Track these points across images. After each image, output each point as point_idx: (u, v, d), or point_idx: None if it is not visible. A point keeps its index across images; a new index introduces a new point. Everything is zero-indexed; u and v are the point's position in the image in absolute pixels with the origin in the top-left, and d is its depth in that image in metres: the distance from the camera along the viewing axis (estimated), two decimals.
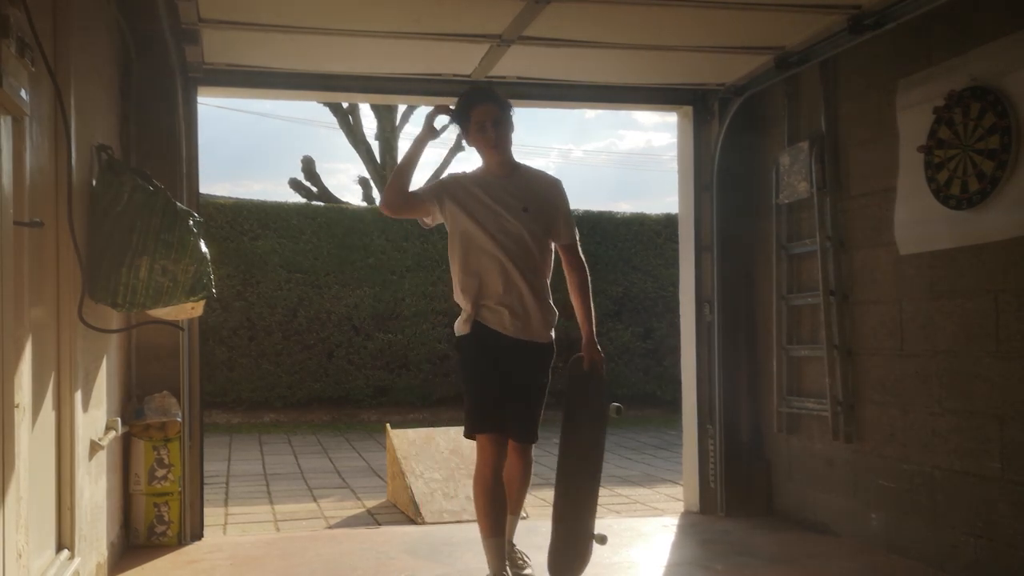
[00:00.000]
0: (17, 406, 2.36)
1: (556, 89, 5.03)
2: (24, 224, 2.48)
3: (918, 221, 4.00)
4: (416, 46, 4.38)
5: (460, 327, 3.57)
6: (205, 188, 10.33)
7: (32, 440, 2.59)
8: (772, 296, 4.99)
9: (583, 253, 3.71)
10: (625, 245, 11.71)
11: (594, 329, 3.68)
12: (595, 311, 3.69)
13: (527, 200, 3.53)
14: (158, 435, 4.34)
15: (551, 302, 3.62)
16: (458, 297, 3.59)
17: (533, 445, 3.64)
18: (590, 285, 3.69)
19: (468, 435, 3.57)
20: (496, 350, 3.48)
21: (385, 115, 15.91)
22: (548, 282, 3.63)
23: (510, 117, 3.56)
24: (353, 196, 25.52)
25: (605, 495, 6.10)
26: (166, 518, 4.38)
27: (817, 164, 4.58)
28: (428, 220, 3.66)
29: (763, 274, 5.14)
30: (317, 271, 10.84)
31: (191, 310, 3.73)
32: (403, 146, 16.30)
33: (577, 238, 3.67)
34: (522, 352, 3.51)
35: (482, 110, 3.50)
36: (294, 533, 5.06)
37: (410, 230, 11.30)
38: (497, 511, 3.45)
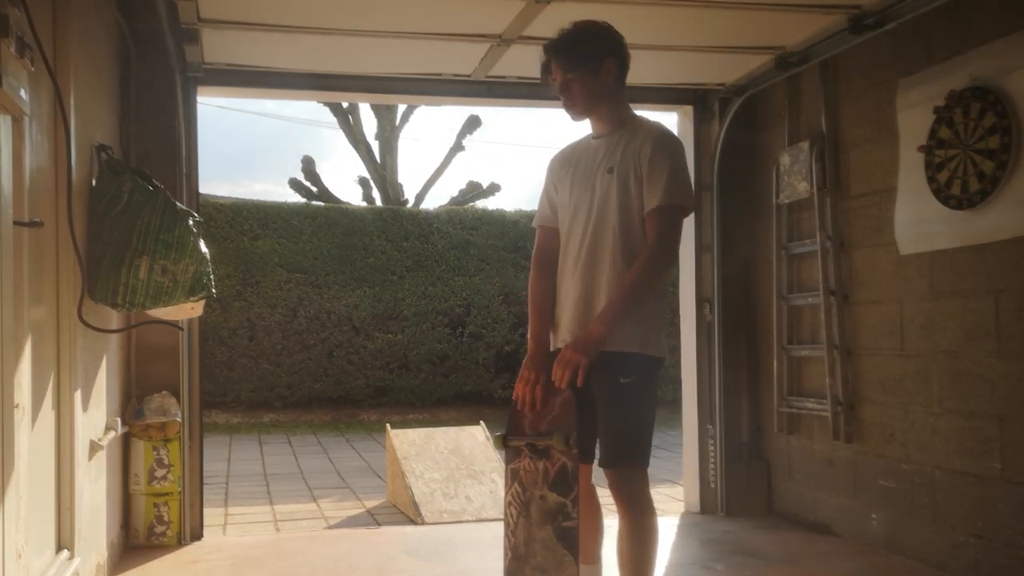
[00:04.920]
0: (17, 406, 2.36)
1: None
2: (24, 224, 2.48)
3: (918, 221, 4.00)
4: (416, 46, 4.37)
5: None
6: (205, 188, 10.34)
7: (32, 440, 2.58)
8: (772, 296, 4.99)
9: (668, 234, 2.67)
10: None
11: (605, 324, 2.60)
12: (622, 305, 2.61)
13: (615, 158, 2.74)
14: (158, 435, 4.33)
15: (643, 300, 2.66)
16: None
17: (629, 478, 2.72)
18: (650, 272, 2.63)
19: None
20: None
21: (385, 115, 15.91)
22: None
23: (592, 67, 2.76)
24: (353, 196, 25.46)
25: (605, 495, 6.10)
26: (166, 518, 4.38)
27: (817, 164, 4.58)
28: None
29: (763, 274, 5.14)
30: (317, 271, 10.85)
31: (191, 310, 3.73)
32: (403, 146, 16.26)
33: (672, 200, 2.65)
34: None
35: (551, 67, 2.82)
36: (294, 533, 5.06)
37: (410, 230, 11.31)
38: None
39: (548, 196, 2.91)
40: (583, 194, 2.77)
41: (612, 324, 2.60)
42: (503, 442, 2.73)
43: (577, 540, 2.58)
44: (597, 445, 2.79)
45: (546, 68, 2.85)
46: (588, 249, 2.73)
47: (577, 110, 2.83)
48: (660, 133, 2.77)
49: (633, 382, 2.66)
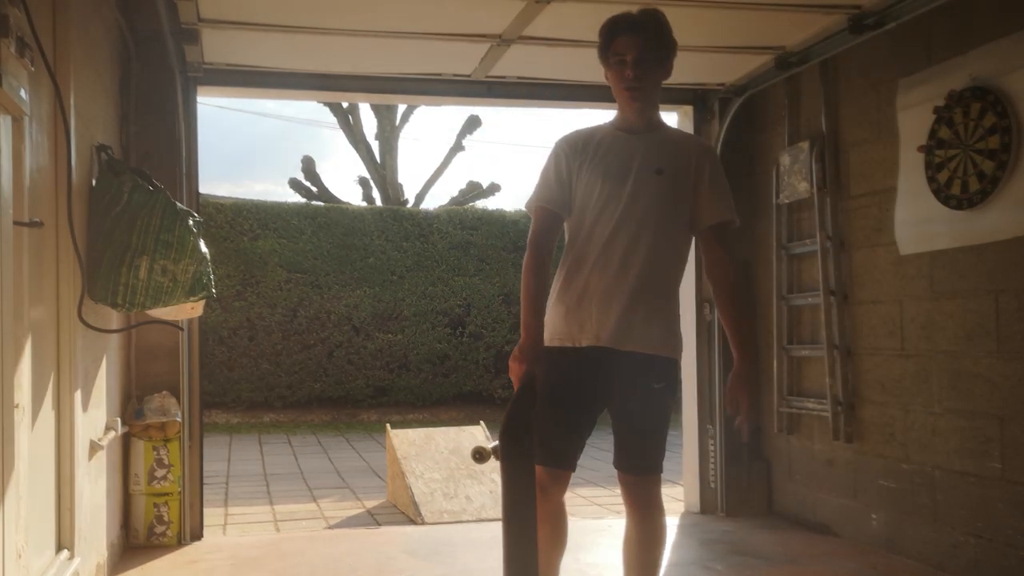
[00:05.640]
0: (17, 406, 2.36)
1: (556, 89, 5.03)
2: (24, 224, 2.48)
3: (918, 221, 4.00)
4: (416, 46, 4.38)
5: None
6: (205, 188, 10.33)
7: (32, 440, 2.58)
8: (772, 296, 4.99)
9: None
10: None
11: (749, 356, 2.67)
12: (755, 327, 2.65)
13: (663, 160, 2.67)
14: (158, 435, 4.33)
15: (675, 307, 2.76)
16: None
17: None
18: (742, 283, 2.82)
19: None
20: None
21: (385, 115, 15.91)
22: (678, 276, 2.77)
23: (663, 57, 2.68)
24: (353, 196, 25.48)
25: (605, 495, 6.10)
26: (166, 518, 4.38)
27: (817, 164, 4.58)
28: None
29: (763, 274, 5.14)
30: (317, 271, 10.85)
31: (191, 310, 3.73)
32: (403, 146, 16.21)
33: (733, 216, 2.72)
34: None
35: (624, 42, 2.64)
36: (294, 533, 5.06)
37: (410, 230, 11.31)
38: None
39: (559, 178, 2.71)
40: (617, 187, 2.64)
41: (756, 352, 2.60)
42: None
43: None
44: (581, 452, 2.72)
45: (611, 38, 2.68)
46: (627, 247, 2.62)
47: (642, 93, 2.67)
48: (712, 149, 2.87)
49: (664, 387, 2.64)
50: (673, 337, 2.69)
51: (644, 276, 2.62)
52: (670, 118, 5.39)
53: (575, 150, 2.73)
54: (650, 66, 2.65)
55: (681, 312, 5.37)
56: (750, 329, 2.61)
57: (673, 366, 2.69)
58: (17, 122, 2.45)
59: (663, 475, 2.74)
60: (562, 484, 2.69)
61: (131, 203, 3.35)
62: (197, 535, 4.56)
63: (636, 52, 2.63)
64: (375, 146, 16.12)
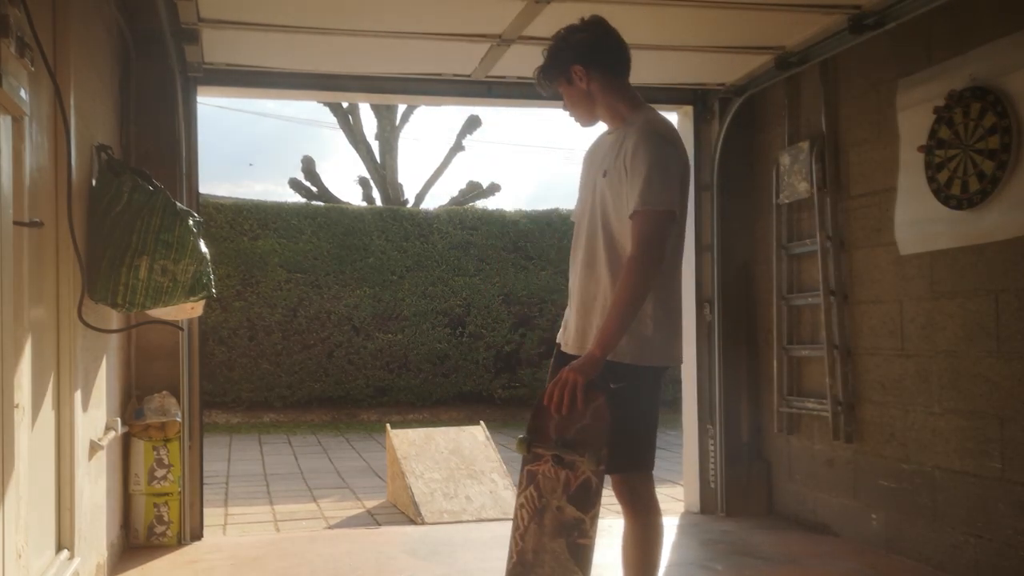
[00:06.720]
0: (17, 406, 2.36)
1: None
2: (24, 224, 2.48)
3: (918, 221, 4.00)
4: (416, 46, 4.38)
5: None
6: (205, 188, 10.33)
7: (32, 440, 2.58)
8: (772, 296, 4.99)
9: (651, 241, 2.49)
10: None
11: (601, 346, 2.48)
12: (617, 325, 2.48)
13: (608, 160, 2.64)
14: (158, 435, 4.33)
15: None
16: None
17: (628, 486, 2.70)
18: (634, 283, 2.48)
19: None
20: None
21: (385, 115, 15.90)
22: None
23: (563, 77, 2.72)
24: (353, 196, 25.47)
25: (605, 495, 6.09)
26: (166, 518, 4.38)
27: (817, 164, 4.58)
28: None
29: (763, 274, 5.14)
30: (317, 271, 10.85)
31: (191, 310, 3.73)
32: (403, 146, 16.13)
33: (647, 206, 2.48)
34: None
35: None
36: (294, 533, 5.06)
37: (410, 230, 11.31)
38: None
39: (580, 187, 2.85)
40: (585, 194, 2.74)
41: (608, 345, 2.48)
42: (526, 447, 2.60)
43: (590, 559, 2.50)
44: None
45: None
46: (585, 254, 2.68)
47: (579, 121, 2.82)
48: (644, 131, 2.58)
49: (623, 387, 2.54)
50: (629, 342, 2.54)
51: (600, 282, 2.62)
52: (670, 118, 5.38)
53: (584, 159, 2.85)
54: (564, 97, 2.77)
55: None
56: (617, 325, 2.48)
57: (633, 370, 2.57)
58: (17, 122, 2.45)
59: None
60: None
61: (131, 203, 3.35)
62: (197, 535, 4.56)
63: (561, 101, 2.78)
64: (375, 146, 16.12)
